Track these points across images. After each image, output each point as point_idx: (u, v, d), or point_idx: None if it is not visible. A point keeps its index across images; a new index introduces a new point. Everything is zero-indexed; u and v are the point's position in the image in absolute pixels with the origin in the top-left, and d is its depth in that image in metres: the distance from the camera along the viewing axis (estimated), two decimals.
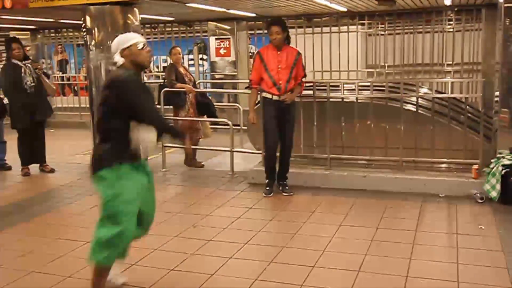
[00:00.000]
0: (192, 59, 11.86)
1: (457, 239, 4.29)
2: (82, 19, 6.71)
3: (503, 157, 5.21)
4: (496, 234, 4.38)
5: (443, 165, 5.90)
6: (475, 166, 5.51)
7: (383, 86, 6.39)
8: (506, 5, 5.24)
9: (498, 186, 5.07)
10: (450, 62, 10.06)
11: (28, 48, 9.61)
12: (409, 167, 5.88)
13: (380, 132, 6.01)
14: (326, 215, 5.05)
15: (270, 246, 4.28)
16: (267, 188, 5.75)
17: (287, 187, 5.77)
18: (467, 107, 6.22)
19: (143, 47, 3.29)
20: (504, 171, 5.07)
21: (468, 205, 5.16)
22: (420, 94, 6.12)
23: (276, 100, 5.51)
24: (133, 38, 3.32)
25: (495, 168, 5.16)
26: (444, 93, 7.46)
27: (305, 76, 5.77)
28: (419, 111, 5.89)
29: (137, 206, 3.26)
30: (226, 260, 3.98)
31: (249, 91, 5.85)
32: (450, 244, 4.22)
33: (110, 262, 3.25)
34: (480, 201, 5.18)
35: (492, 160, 5.31)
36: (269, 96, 5.54)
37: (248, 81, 6.03)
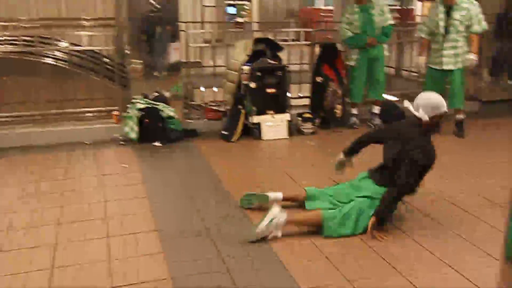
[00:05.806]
0: None
1: (103, 180, 4.24)
2: None
3: (137, 102, 5.37)
4: (138, 169, 4.51)
5: (88, 114, 5.71)
6: (115, 112, 5.53)
7: (18, 41, 5.66)
8: None
9: (136, 128, 5.20)
10: (88, 18, 9.71)
11: None
12: (55, 119, 5.46)
13: (18, 87, 5.35)
14: None
15: None
16: None
17: None
18: (104, 59, 6.14)
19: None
20: (139, 114, 5.25)
21: (113, 148, 5.15)
22: (58, 47, 5.70)
23: None
24: (444, 106, 3.18)
25: (131, 112, 5.28)
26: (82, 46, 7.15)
27: None
28: (58, 64, 5.48)
29: None
30: None
31: None
32: (98, 185, 4.12)
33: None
34: (122, 143, 5.24)
35: (129, 105, 5.40)
36: None
37: None
